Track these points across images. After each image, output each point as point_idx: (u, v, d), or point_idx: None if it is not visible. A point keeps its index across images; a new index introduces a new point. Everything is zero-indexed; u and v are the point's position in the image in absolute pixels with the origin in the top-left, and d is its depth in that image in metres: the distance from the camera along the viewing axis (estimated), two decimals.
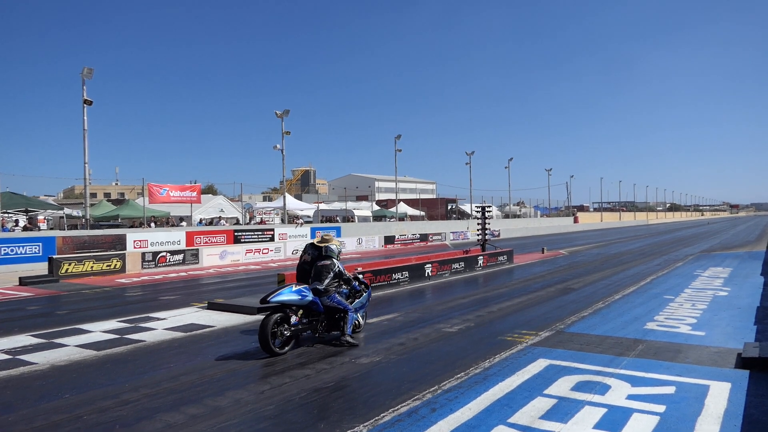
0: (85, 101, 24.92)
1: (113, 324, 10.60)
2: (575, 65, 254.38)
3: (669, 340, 8.54)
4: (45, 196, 50.90)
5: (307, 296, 8.37)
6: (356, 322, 9.21)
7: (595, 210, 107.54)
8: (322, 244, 9.03)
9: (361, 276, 9.90)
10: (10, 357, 8.05)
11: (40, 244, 22.34)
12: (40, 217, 32.24)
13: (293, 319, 8.26)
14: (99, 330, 10.00)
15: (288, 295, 8.20)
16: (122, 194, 75.45)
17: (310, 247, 9.24)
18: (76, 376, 7.11)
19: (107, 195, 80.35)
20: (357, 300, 9.22)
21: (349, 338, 8.57)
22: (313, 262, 8.95)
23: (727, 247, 32.70)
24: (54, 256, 19.46)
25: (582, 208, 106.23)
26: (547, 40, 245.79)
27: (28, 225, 28.00)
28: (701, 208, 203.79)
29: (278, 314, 8.08)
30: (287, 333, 8.14)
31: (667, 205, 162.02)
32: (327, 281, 8.61)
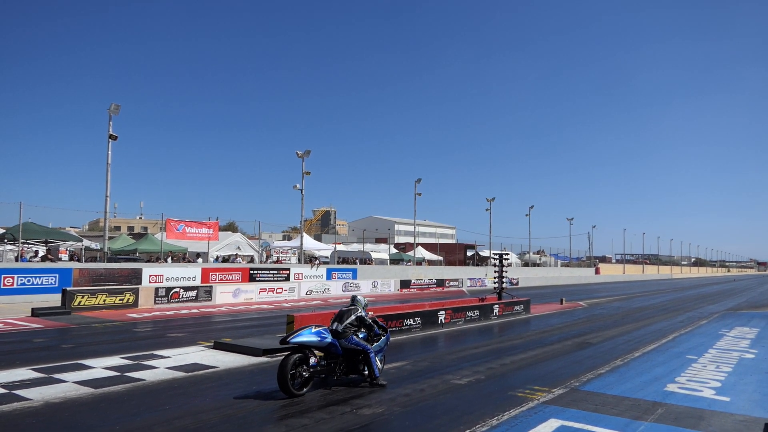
0: (111, 136, 25.53)
1: (116, 360, 10.42)
2: (602, 123, 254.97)
3: (691, 404, 8.06)
4: (70, 227, 51.85)
5: (326, 338, 8.45)
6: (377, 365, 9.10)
7: (618, 262, 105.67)
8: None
9: (379, 320, 9.86)
10: (6, 392, 7.88)
11: (57, 275, 22.49)
12: (62, 249, 32.63)
13: (312, 360, 8.25)
14: (100, 366, 9.83)
15: (308, 336, 8.25)
16: (145, 228, 76.58)
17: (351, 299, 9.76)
18: (69, 415, 6.89)
19: (131, 228, 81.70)
20: (376, 343, 9.18)
21: (380, 380, 8.81)
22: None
23: (754, 305, 31.59)
24: (67, 288, 19.49)
25: (604, 259, 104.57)
26: (574, 98, 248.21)
27: (48, 256, 28.27)
28: (727, 264, 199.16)
29: (297, 355, 8.08)
30: (305, 374, 8.10)
31: (692, 259, 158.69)
32: (346, 322, 8.83)
